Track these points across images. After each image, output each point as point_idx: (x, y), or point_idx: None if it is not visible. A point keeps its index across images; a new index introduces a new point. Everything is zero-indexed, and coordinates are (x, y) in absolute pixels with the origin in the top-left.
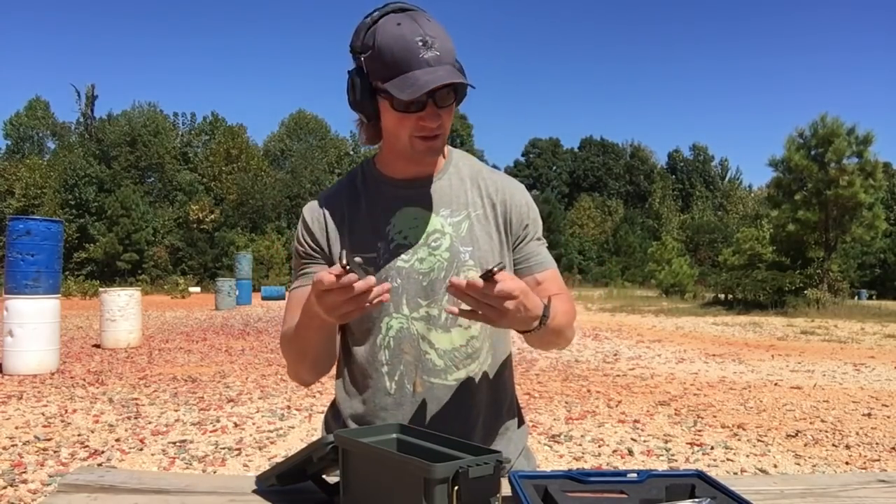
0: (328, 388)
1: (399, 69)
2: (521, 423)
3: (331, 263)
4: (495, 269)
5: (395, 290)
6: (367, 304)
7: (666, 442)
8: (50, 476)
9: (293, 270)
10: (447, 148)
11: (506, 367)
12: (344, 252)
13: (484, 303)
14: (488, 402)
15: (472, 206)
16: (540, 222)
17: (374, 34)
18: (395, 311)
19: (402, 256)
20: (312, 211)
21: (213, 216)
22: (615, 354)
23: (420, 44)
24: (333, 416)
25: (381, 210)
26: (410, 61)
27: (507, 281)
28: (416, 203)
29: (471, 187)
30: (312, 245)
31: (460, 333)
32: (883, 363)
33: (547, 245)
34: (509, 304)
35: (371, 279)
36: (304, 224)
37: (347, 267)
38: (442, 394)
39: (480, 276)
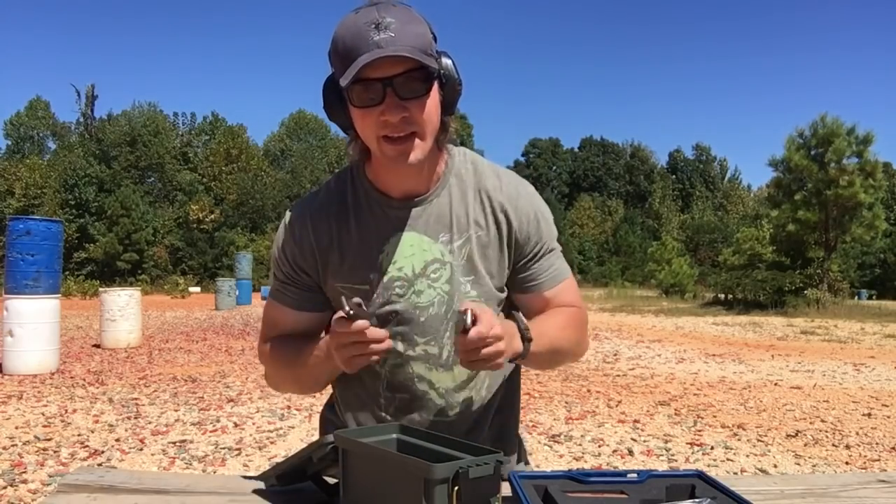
0: (328, 388)
1: (350, 58)
2: (522, 459)
3: (311, 285)
4: (468, 322)
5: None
6: (375, 351)
7: (666, 442)
8: (50, 476)
9: (272, 279)
10: (451, 150)
11: (510, 392)
12: (344, 299)
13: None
14: (493, 432)
15: (475, 227)
16: (552, 230)
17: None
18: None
19: (397, 290)
20: (295, 227)
21: (213, 216)
22: (615, 354)
23: (372, 27)
24: (331, 413)
25: (375, 235)
26: (359, 46)
27: (480, 325)
28: (412, 228)
29: (473, 201)
30: (293, 266)
31: (461, 369)
32: (883, 363)
33: (560, 252)
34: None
35: (366, 324)
36: (292, 238)
37: (351, 313)
38: (443, 429)
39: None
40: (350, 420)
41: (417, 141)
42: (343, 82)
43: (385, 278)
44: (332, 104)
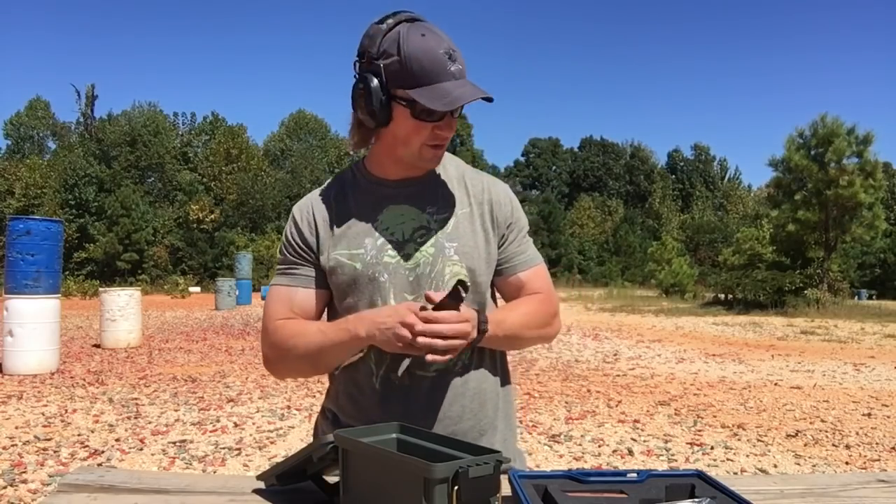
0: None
1: (428, 79)
2: (511, 425)
3: (318, 264)
4: (462, 288)
5: (382, 284)
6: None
7: (666, 442)
8: (50, 476)
9: (278, 265)
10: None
11: (493, 359)
12: (460, 287)
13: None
14: (473, 394)
15: (459, 205)
16: (524, 218)
17: (398, 43)
18: (383, 304)
19: (389, 252)
20: (302, 210)
21: (213, 216)
22: (615, 354)
23: (446, 56)
24: (325, 408)
25: (370, 208)
26: (439, 73)
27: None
28: (403, 201)
29: (457, 187)
30: (301, 245)
31: None
32: (883, 363)
33: (532, 240)
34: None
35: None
36: (294, 223)
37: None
38: (425, 385)
39: (449, 293)
40: (348, 383)
41: (445, 147)
42: (438, 107)
43: (378, 242)
44: (379, 102)
